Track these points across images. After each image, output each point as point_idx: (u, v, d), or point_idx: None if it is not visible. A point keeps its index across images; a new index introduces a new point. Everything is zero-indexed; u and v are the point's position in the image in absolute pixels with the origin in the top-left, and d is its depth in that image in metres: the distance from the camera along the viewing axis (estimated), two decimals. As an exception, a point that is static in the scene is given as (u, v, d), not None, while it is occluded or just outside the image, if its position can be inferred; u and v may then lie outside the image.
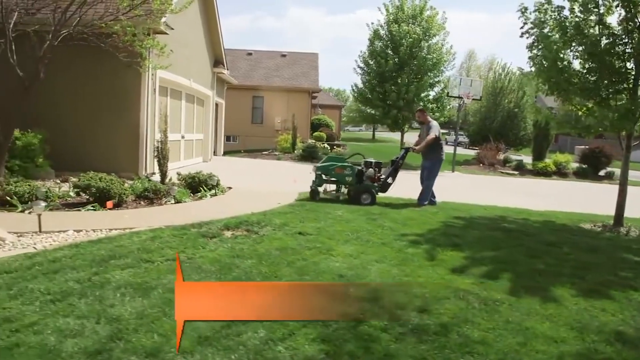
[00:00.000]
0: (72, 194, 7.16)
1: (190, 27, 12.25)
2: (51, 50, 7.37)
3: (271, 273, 3.93)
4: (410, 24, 18.79)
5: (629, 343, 3.17)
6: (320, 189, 8.29)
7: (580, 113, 8.06)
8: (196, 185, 8.29)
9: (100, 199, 6.55)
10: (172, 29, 9.68)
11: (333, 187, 8.51)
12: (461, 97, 18.09)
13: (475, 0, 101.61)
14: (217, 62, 15.19)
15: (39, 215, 4.88)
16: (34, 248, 4.31)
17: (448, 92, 18.31)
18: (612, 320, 3.57)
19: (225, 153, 19.44)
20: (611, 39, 7.18)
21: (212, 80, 15.17)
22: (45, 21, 7.57)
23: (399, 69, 18.54)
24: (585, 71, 7.53)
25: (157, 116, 10.10)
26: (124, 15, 7.82)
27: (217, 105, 16.49)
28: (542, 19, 7.57)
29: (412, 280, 4.08)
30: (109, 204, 6.14)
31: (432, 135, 8.25)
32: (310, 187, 8.23)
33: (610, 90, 7.31)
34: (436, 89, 19.62)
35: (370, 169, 8.44)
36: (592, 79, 7.41)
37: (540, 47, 7.48)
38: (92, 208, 6.36)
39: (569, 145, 32.60)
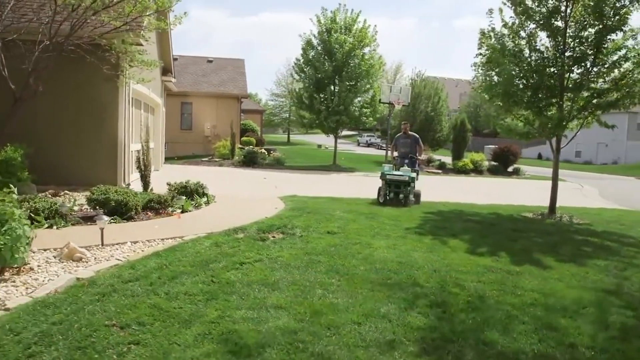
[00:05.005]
0: (75, 208, 7.16)
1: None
2: (47, 61, 7.27)
3: (348, 264, 4.71)
4: (343, 34, 20.09)
5: (617, 291, 4.50)
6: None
7: (518, 122, 9.78)
8: (188, 194, 8.58)
9: (117, 211, 6.72)
10: (147, 40, 9.77)
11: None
12: (391, 103, 19.82)
13: (376, 6, 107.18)
14: (165, 70, 15.10)
15: (102, 229, 5.10)
16: (117, 260, 4.59)
17: (380, 99, 19.92)
18: (597, 278, 4.92)
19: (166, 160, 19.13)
20: (543, 62, 8.92)
21: (162, 88, 15.06)
22: (39, 30, 7.42)
23: (334, 76, 19.78)
24: (522, 87, 9.21)
25: (131, 127, 10.10)
26: (116, 30, 7.92)
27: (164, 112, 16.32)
28: (492, 43, 9.11)
29: (449, 262, 5.11)
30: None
31: (422, 145, 11.02)
32: (402, 195, 9.72)
33: (544, 103, 9.05)
34: (367, 96, 21.10)
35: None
36: (529, 93, 9.09)
37: (491, 66, 9.01)
38: (113, 220, 6.51)
39: (471, 145, 36.43)
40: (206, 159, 21.02)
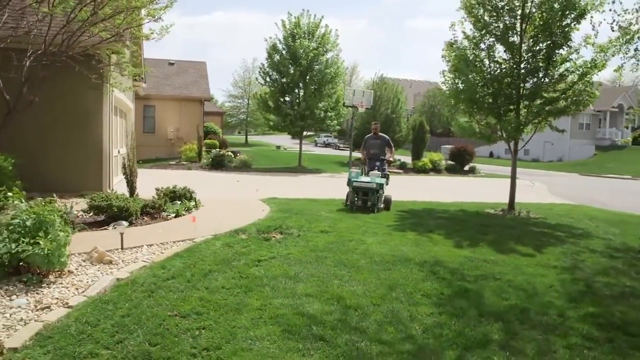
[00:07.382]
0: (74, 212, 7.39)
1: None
2: (43, 71, 7.43)
3: (351, 258, 5.37)
4: (307, 40, 20.72)
5: (573, 272, 5.41)
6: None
7: (478, 126, 10.78)
8: (177, 198, 8.93)
9: (118, 216, 7.03)
10: (129, 48, 10.01)
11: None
12: (355, 106, 20.67)
13: (328, 6, 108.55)
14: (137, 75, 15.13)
15: (122, 234, 5.47)
16: (144, 262, 5.00)
17: (344, 103, 20.73)
18: (559, 263, 5.83)
19: (133, 165, 19.06)
20: (502, 72, 9.94)
21: (133, 94, 15.10)
22: (29, 40, 7.54)
23: (300, 80, 20.40)
24: (484, 94, 10.20)
25: (113, 134, 10.28)
26: (107, 41, 8.16)
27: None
28: (456, 53, 10.01)
29: (435, 254, 5.87)
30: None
31: (393, 147, 11.02)
32: (370, 202, 9.37)
33: (503, 109, 10.07)
34: (331, 100, 21.84)
35: None
36: (490, 100, 10.09)
37: (458, 76, 9.94)
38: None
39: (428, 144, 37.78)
40: (173, 162, 21.06)
